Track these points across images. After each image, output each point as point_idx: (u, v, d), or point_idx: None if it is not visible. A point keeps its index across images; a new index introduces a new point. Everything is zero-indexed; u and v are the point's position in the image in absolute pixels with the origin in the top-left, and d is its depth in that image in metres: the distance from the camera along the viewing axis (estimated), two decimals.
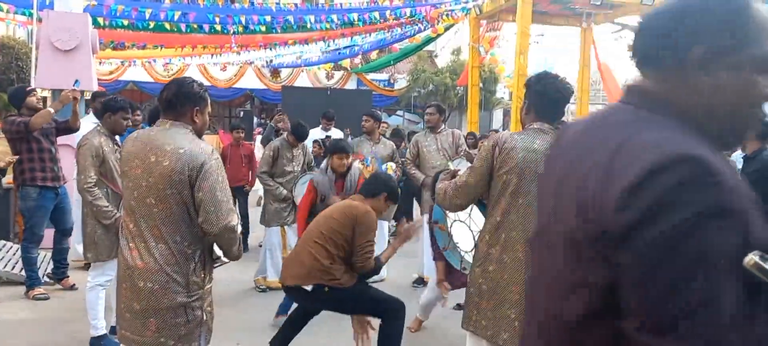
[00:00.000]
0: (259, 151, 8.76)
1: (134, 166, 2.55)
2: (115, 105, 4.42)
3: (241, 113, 22.00)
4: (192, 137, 2.58)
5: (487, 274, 2.66)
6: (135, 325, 2.53)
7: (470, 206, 3.03)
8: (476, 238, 2.97)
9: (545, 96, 2.74)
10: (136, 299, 2.51)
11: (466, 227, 3.27)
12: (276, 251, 6.10)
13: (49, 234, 5.80)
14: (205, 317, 2.61)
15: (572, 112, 20.18)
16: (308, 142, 7.75)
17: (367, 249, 3.58)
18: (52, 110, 5.26)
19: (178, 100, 2.61)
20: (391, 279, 6.51)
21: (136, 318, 2.52)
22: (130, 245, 2.56)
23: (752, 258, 1.76)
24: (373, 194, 3.82)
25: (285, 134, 6.38)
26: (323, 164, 5.39)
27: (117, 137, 4.51)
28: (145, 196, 2.50)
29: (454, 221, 3.29)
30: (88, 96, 12.38)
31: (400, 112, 25.55)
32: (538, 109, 2.76)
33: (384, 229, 6.62)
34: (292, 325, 4.00)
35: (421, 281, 6.28)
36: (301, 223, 4.94)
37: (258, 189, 8.22)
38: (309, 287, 3.57)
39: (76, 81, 5.26)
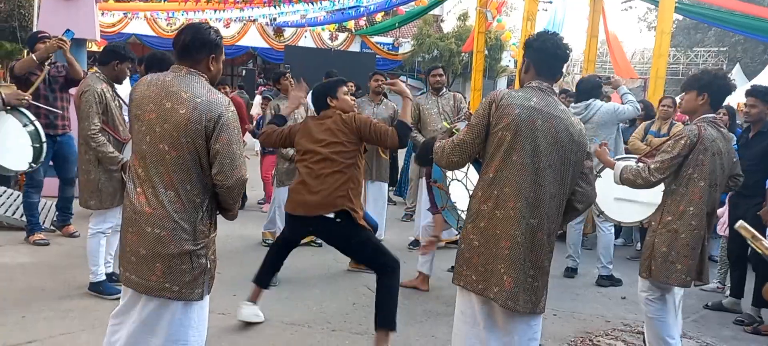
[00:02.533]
0: (258, 108, 8.73)
1: (148, 111, 2.50)
2: (125, 54, 4.40)
3: (244, 72, 21.86)
4: (208, 87, 2.55)
5: (479, 230, 2.67)
6: (140, 269, 2.52)
7: (467, 165, 3.01)
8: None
9: (544, 53, 2.72)
10: (143, 243, 2.50)
11: (462, 186, 3.27)
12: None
13: (54, 183, 5.83)
14: (209, 265, 2.60)
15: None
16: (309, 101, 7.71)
17: (375, 126, 3.75)
18: (34, 58, 5.18)
19: (194, 47, 2.55)
20: (387, 241, 6.54)
21: (141, 262, 2.52)
22: (138, 189, 2.52)
23: (742, 223, 1.87)
24: (324, 106, 3.99)
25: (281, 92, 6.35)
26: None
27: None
28: (158, 141, 2.47)
29: (452, 180, 3.29)
30: (90, 47, 12.26)
31: (403, 78, 25.36)
32: (537, 66, 2.74)
33: (383, 190, 6.63)
34: (274, 263, 4.12)
35: (416, 243, 6.32)
36: None
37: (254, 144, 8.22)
38: (331, 215, 3.65)
39: (68, 31, 5.15)
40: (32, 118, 4.33)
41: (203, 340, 2.76)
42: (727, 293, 5.33)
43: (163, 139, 2.46)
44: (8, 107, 3.82)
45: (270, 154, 7.43)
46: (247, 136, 8.04)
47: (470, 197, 2.80)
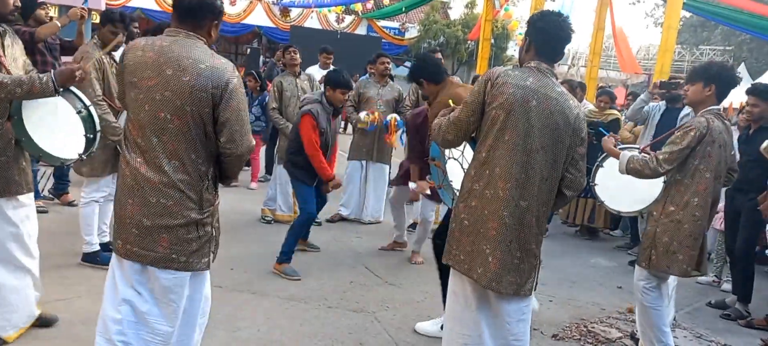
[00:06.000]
0: None
1: (146, 78, 2.36)
2: (115, 18, 4.31)
3: (248, 50, 21.78)
4: (210, 53, 2.43)
5: (470, 209, 2.66)
6: (144, 240, 2.42)
7: (463, 144, 2.99)
8: None
9: (546, 33, 2.66)
10: (147, 214, 2.40)
11: (458, 165, 3.25)
12: (287, 186, 6.13)
13: None
14: (214, 233, 2.56)
15: (582, 75, 19.98)
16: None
17: None
18: (58, 24, 5.16)
19: (200, 10, 2.44)
20: (387, 222, 6.56)
21: (145, 233, 2.41)
22: (139, 159, 2.40)
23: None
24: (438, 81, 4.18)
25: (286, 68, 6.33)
26: (318, 95, 4.93)
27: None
28: (158, 109, 2.34)
29: (449, 158, 3.27)
30: (95, 19, 12.24)
31: (408, 63, 25.28)
32: (538, 46, 2.68)
33: (384, 172, 6.63)
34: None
35: (414, 226, 6.33)
36: (320, 163, 4.66)
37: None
38: None
39: (85, 0, 5.16)
40: (87, 102, 3.44)
41: (208, 309, 2.75)
42: (723, 286, 5.37)
43: (164, 108, 2.34)
44: (60, 90, 3.11)
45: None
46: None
47: (464, 175, 2.78)
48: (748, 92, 4.83)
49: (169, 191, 2.38)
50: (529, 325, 2.80)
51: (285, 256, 4.62)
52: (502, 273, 2.59)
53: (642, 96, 5.85)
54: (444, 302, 3.63)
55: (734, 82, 3.48)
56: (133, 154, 2.42)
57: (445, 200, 3.30)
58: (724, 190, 5.06)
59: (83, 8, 5.01)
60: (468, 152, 3.13)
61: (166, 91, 2.33)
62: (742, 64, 21.61)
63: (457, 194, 3.27)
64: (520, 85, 2.56)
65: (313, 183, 4.71)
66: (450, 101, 3.41)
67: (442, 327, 3.63)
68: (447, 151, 3.27)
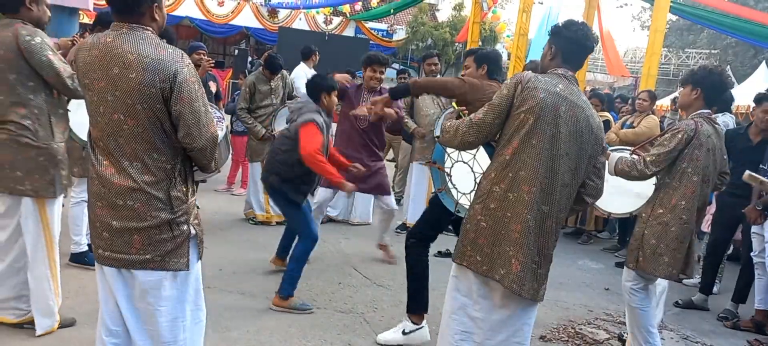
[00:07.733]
0: None
1: (96, 79, 2.24)
2: (110, 21, 4.30)
3: (236, 51, 21.68)
4: (156, 41, 2.26)
5: (488, 211, 2.64)
6: (116, 243, 2.33)
7: (477, 147, 2.99)
8: (478, 179, 2.97)
9: (575, 43, 2.70)
10: (116, 217, 2.30)
11: (468, 169, 3.19)
12: (258, 185, 6.12)
13: None
14: (193, 231, 2.43)
15: None
16: (298, 81, 7.64)
17: None
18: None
19: (135, 1, 2.26)
20: (375, 224, 6.57)
21: (117, 236, 2.32)
22: (104, 162, 2.31)
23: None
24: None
25: (260, 69, 6.34)
26: (311, 103, 4.36)
27: None
28: (112, 111, 2.23)
29: (456, 161, 3.22)
30: (82, 18, 12.12)
31: (395, 65, 25.28)
32: (566, 54, 2.71)
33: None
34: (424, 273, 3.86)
35: (404, 227, 6.34)
36: (330, 171, 4.10)
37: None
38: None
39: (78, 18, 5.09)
40: None
41: (203, 315, 2.66)
42: (686, 281, 5.45)
43: (117, 109, 2.22)
44: None
45: (239, 135, 7.26)
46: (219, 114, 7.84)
47: (482, 176, 2.76)
48: (759, 101, 4.77)
49: (135, 193, 2.28)
50: (531, 329, 2.80)
51: (291, 287, 4.09)
52: (524, 276, 2.59)
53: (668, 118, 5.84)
54: (410, 304, 3.73)
55: (723, 85, 3.51)
56: (99, 158, 2.33)
57: (447, 204, 3.22)
58: (715, 195, 5.12)
59: (75, 36, 4.95)
60: (480, 156, 3.09)
61: (117, 91, 2.21)
62: (727, 67, 21.88)
63: (460, 199, 3.24)
64: (550, 91, 2.57)
65: (303, 199, 4.22)
66: (454, 104, 3.33)
67: (403, 332, 3.66)
68: (455, 155, 3.22)
